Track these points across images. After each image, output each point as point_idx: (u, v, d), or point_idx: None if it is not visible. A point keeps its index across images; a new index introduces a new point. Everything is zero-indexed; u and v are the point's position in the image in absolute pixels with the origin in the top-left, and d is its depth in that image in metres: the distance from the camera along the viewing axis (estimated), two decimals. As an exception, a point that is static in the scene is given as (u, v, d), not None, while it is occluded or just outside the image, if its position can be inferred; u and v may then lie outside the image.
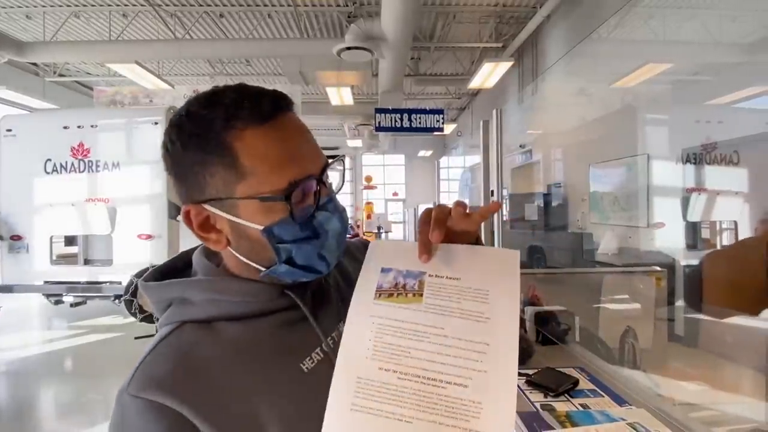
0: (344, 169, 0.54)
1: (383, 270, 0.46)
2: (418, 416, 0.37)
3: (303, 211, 0.45)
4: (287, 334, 0.48)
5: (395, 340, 0.41)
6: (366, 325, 0.42)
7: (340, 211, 0.49)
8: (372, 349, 0.40)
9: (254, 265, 0.47)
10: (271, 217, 0.44)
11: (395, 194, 16.28)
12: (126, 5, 6.20)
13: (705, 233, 4.08)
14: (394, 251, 0.48)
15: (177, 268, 0.54)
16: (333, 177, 0.50)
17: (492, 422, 0.37)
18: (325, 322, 0.50)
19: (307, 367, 0.47)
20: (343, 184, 0.53)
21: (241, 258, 0.48)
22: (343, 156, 0.53)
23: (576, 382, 1.13)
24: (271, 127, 0.44)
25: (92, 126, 4.84)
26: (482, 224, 2.00)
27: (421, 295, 0.43)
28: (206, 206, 0.45)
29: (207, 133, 0.43)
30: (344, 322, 0.52)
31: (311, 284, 0.52)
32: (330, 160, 0.49)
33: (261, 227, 0.44)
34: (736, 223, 3.85)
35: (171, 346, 0.44)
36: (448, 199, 13.99)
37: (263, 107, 0.44)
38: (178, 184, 0.47)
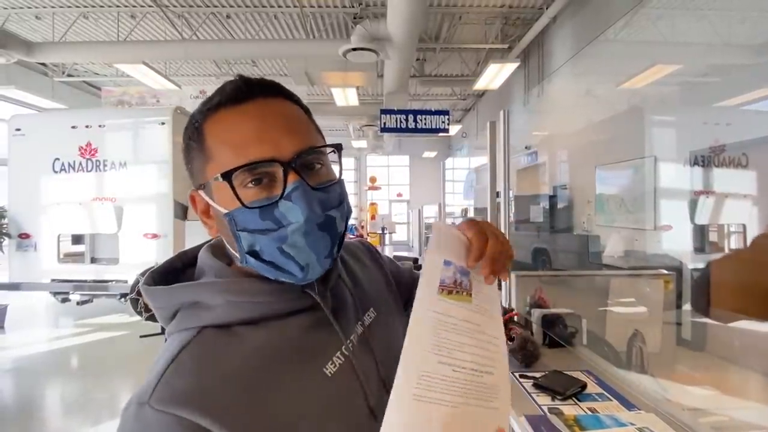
0: (341, 160, 0.48)
1: (445, 263, 0.47)
2: (463, 401, 0.43)
3: (260, 199, 0.42)
4: (309, 338, 0.46)
5: (452, 335, 0.45)
6: (429, 320, 0.44)
7: (309, 204, 0.42)
8: (433, 344, 0.44)
9: (234, 253, 0.46)
10: (237, 204, 0.43)
11: (399, 195, 16.27)
12: (134, 6, 6.25)
13: (713, 236, 4.04)
14: (452, 241, 0.48)
15: (176, 268, 0.51)
16: (331, 170, 0.48)
17: (504, 400, 0.46)
18: (344, 324, 0.49)
19: (330, 372, 0.45)
20: (339, 177, 0.48)
21: (227, 246, 0.47)
22: (337, 145, 0.47)
23: (584, 386, 1.12)
24: (240, 109, 0.43)
25: (100, 126, 4.88)
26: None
27: (470, 294, 0.47)
28: (200, 192, 0.47)
29: (192, 123, 0.46)
30: (361, 324, 0.52)
31: (329, 283, 0.50)
32: (313, 147, 0.45)
33: (225, 211, 0.44)
34: (744, 226, 3.81)
35: (194, 355, 0.41)
36: (452, 201, 13.96)
37: (234, 91, 0.44)
38: (189, 174, 0.49)
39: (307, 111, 0.49)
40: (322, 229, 0.44)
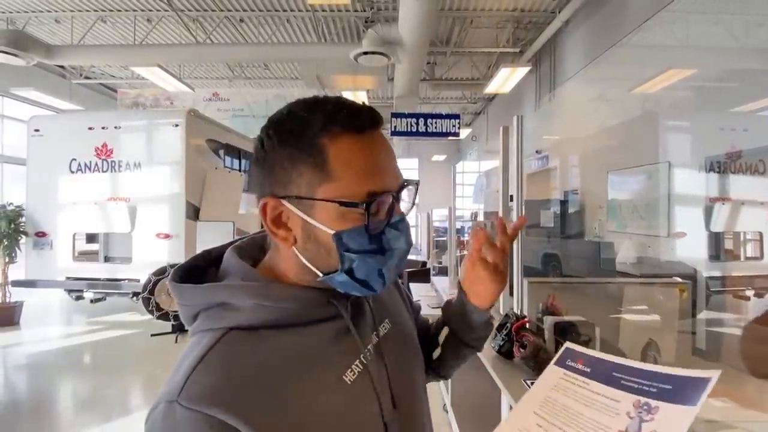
0: (416, 194, 0.51)
1: None
2: None
3: (376, 224, 0.46)
4: (331, 346, 0.48)
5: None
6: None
7: (409, 233, 0.49)
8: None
9: (313, 269, 0.47)
10: (344, 224, 0.45)
11: (408, 198, 16.23)
12: (150, 10, 6.37)
13: (728, 244, 3.96)
14: None
15: (200, 267, 0.52)
16: (405, 200, 0.50)
17: None
18: (362, 333, 0.51)
19: (349, 380, 0.47)
20: (412, 208, 0.52)
21: (302, 260, 0.47)
22: (418, 181, 0.51)
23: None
24: (364, 138, 0.46)
25: (116, 127, 4.98)
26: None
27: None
28: (285, 202, 0.46)
29: (305, 132, 0.45)
30: (376, 334, 0.53)
31: (351, 295, 0.51)
32: (406, 182, 0.49)
33: (332, 231, 0.45)
34: (761, 234, 3.73)
35: (222, 355, 0.42)
36: (462, 204, 13.89)
37: (360, 119, 0.46)
38: (263, 177, 0.47)
39: None
40: (408, 253, 0.50)
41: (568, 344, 0.51)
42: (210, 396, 0.39)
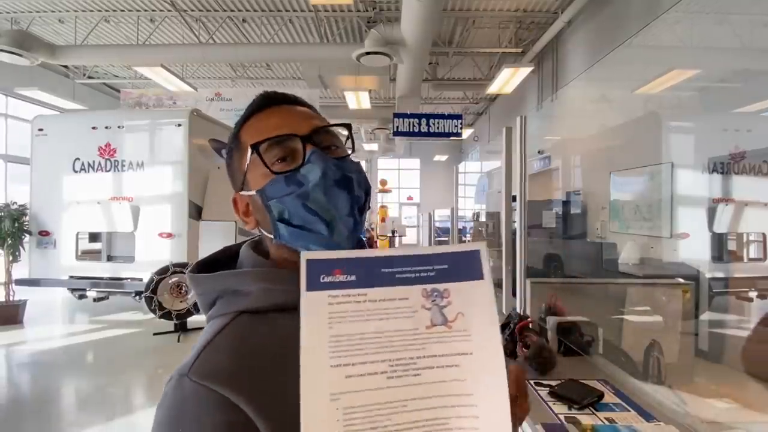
0: (351, 136, 0.54)
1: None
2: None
3: (285, 168, 0.49)
4: None
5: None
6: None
7: (327, 163, 0.48)
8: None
9: (268, 235, 0.51)
10: (266, 178, 0.49)
11: (410, 198, 16.26)
12: (153, 10, 6.40)
13: (731, 245, 3.95)
14: None
15: (220, 261, 0.55)
16: (346, 151, 0.54)
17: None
18: None
19: None
20: (353, 150, 0.54)
21: (264, 233, 0.52)
22: (347, 123, 0.55)
23: (601, 395, 1.11)
24: (266, 112, 0.52)
25: (119, 127, 5.00)
26: (503, 236, 1.97)
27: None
28: (240, 194, 0.53)
29: (232, 136, 0.54)
30: None
31: None
32: (326, 125, 0.52)
33: (257, 189, 0.50)
34: (764, 235, 3.72)
35: (230, 337, 0.45)
36: (463, 204, 13.88)
37: (259, 101, 0.53)
38: (231, 183, 0.55)
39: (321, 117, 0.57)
40: (340, 186, 0.49)
41: (305, 254, 0.38)
42: (217, 373, 0.41)
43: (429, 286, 0.38)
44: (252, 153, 0.49)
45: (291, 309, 0.47)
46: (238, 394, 0.40)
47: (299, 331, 0.44)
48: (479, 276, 0.39)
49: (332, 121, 0.54)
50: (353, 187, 0.50)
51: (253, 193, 0.50)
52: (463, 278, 0.38)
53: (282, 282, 0.48)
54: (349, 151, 0.54)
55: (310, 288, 0.38)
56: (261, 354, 0.44)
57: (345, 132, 0.56)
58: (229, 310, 0.48)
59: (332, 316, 0.37)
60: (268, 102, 0.53)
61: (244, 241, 0.57)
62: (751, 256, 3.85)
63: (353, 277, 0.38)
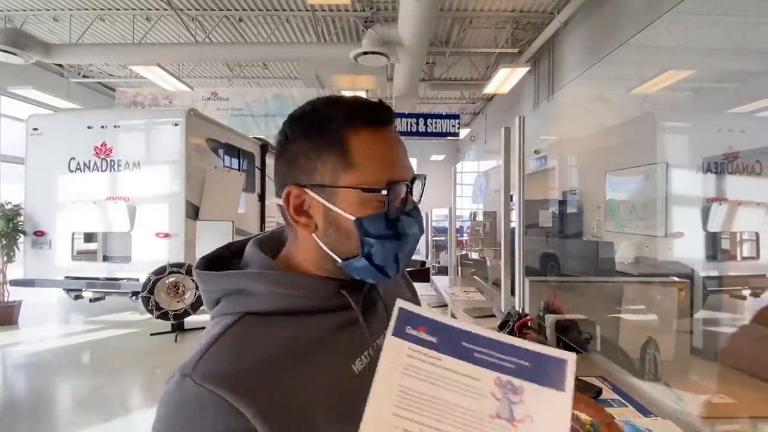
0: (423, 187, 0.56)
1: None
2: None
3: (394, 211, 0.50)
4: (341, 335, 0.50)
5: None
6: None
7: (421, 221, 0.53)
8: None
9: (333, 255, 0.50)
10: (364, 210, 0.48)
11: (407, 198, 16.22)
12: (149, 9, 6.36)
13: (725, 244, 3.99)
14: None
15: (223, 257, 0.55)
16: (415, 193, 0.54)
17: None
18: (372, 326, 0.53)
19: (357, 369, 0.49)
20: (420, 200, 0.56)
21: (322, 246, 0.50)
22: (425, 176, 0.56)
23: (599, 392, 1.12)
24: (381, 132, 0.50)
25: (115, 126, 4.96)
26: (502, 232, 1.98)
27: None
28: (308, 190, 0.49)
29: (328, 125, 0.49)
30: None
31: (363, 288, 0.54)
32: (417, 176, 0.53)
33: (354, 217, 0.48)
34: (757, 234, 3.77)
35: (235, 338, 0.45)
36: (460, 204, 13.91)
37: (379, 114, 0.50)
38: (286, 167, 0.51)
39: None
40: (418, 241, 0.53)
41: (400, 303, 0.41)
42: (219, 376, 0.41)
43: (504, 377, 0.38)
44: (380, 191, 0.48)
45: (297, 314, 0.48)
46: (240, 399, 0.40)
47: (305, 336, 0.47)
48: (560, 387, 0.37)
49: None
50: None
51: (338, 210, 0.48)
52: (542, 382, 0.38)
53: (291, 287, 0.49)
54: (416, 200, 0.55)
55: (395, 333, 0.40)
56: (265, 358, 0.44)
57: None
58: (235, 310, 0.47)
59: (407, 368, 0.39)
60: (387, 121, 0.51)
61: (249, 238, 0.56)
62: (745, 254, 3.89)
63: (434, 339, 0.39)
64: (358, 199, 0.48)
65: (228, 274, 0.50)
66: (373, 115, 0.50)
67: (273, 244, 0.56)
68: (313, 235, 0.50)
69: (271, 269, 0.51)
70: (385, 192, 0.48)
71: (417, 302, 0.69)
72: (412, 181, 0.52)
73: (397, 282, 0.68)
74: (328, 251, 0.50)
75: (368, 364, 0.50)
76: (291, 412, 0.42)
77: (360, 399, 0.45)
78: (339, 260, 0.50)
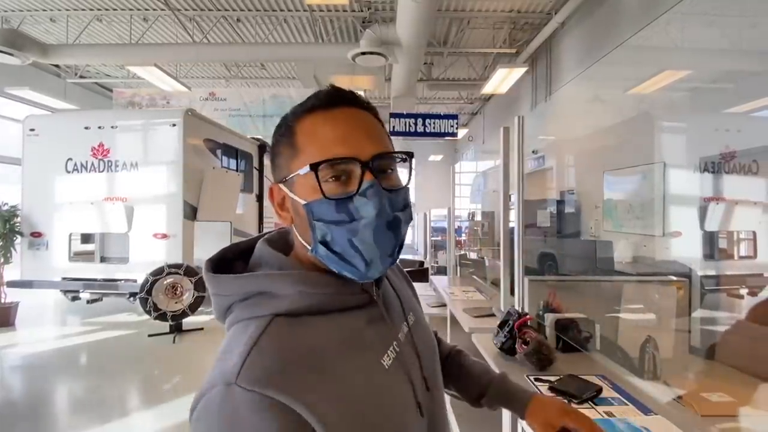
0: (411, 168, 0.52)
1: None
2: None
3: (338, 192, 0.46)
4: (367, 331, 0.50)
5: None
6: None
7: (382, 202, 0.46)
8: None
9: (304, 243, 0.50)
10: (316, 195, 0.47)
11: (405, 198, 16.21)
12: (146, 9, 6.34)
13: (722, 243, 4.01)
14: None
15: (227, 259, 0.54)
16: (401, 174, 0.52)
17: None
18: (394, 321, 0.54)
19: (386, 364, 0.49)
20: (408, 181, 0.52)
21: (298, 237, 0.51)
22: (409, 153, 0.51)
23: (599, 390, 1.12)
24: (328, 113, 0.49)
25: (112, 127, 4.95)
26: (501, 232, 1.99)
27: None
28: (280, 185, 0.51)
29: (285, 121, 0.51)
30: (406, 324, 0.56)
31: (381, 283, 0.55)
32: (386, 153, 0.49)
33: (303, 202, 0.48)
34: (755, 233, 3.78)
35: (272, 340, 0.43)
36: (459, 204, 13.93)
37: (321, 97, 0.50)
38: (272, 169, 0.53)
39: (382, 124, 0.54)
40: (389, 228, 0.47)
41: None
42: (267, 378, 0.40)
43: None
44: (309, 170, 0.46)
45: (326, 312, 0.48)
46: (291, 397, 0.40)
47: (337, 333, 0.47)
48: None
49: (395, 147, 0.52)
50: (400, 229, 0.49)
51: (296, 198, 0.48)
52: None
53: (318, 286, 0.48)
54: (404, 182, 0.51)
55: None
56: (307, 355, 0.43)
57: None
58: (262, 312, 0.46)
59: None
60: (334, 101, 0.49)
61: (253, 239, 0.56)
62: (742, 253, 3.91)
63: None
64: (309, 184, 0.47)
65: (250, 277, 0.48)
66: (320, 98, 0.49)
67: (282, 243, 0.56)
68: (293, 227, 0.52)
69: (290, 268, 0.50)
70: (311, 170, 0.45)
71: (417, 300, 0.69)
72: (374, 159, 0.47)
73: (398, 276, 0.68)
74: (301, 240, 0.50)
75: (395, 359, 0.50)
76: (341, 409, 0.42)
77: (389, 395, 0.47)
78: (308, 248, 0.49)
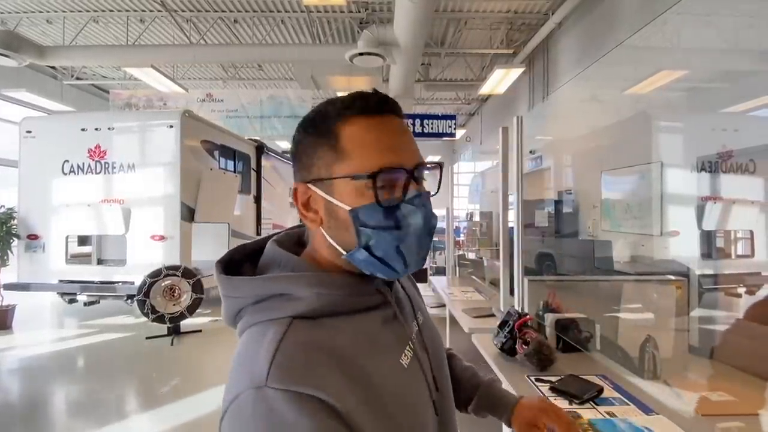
0: (441, 177, 0.54)
1: None
2: None
3: (388, 199, 0.47)
4: (384, 332, 0.51)
5: None
6: None
7: (427, 211, 0.49)
8: None
9: (338, 247, 0.50)
10: (361, 201, 0.47)
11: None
12: (143, 11, 6.33)
13: (720, 242, 4.03)
14: None
15: (235, 260, 0.54)
16: (431, 183, 0.53)
17: None
18: (407, 321, 0.55)
19: (405, 363, 0.50)
20: (438, 190, 0.53)
21: (328, 239, 0.50)
22: (442, 163, 0.55)
23: (601, 390, 1.12)
24: (373, 120, 0.49)
25: (109, 128, 4.93)
26: (500, 234, 1.99)
27: None
28: (310, 185, 0.50)
29: (324, 121, 0.50)
30: (416, 323, 0.58)
31: (394, 284, 0.55)
32: (426, 163, 0.51)
33: (348, 207, 0.48)
34: (752, 232, 3.80)
35: (297, 342, 0.44)
36: (458, 205, 13.94)
37: (370, 104, 0.50)
38: (295, 167, 0.52)
39: None
40: (429, 234, 0.50)
41: None
42: (297, 376, 0.40)
43: None
44: (366, 178, 0.46)
45: (344, 313, 0.48)
46: (323, 392, 0.40)
47: (357, 334, 0.47)
48: None
49: (426, 158, 0.53)
50: (433, 234, 0.51)
51: (336, 202, 0.48)
52: None
53: (334, 287, 0.48)
54: (433, 191, 0.53)
55: None
56: (332, 354, 0.44)
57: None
58: (280, 315, 0.46)
59: None
60: (381, 108, 0.50)
61: (261, 239, 0.56)
62: (739, 252, 3.92)
63: None
64: (353, 188, 0.47)
65: (267, 279, 0.49)
66: (364, 103, 0.49)
67: (291, 243, 0.56)
68: (321, 228, 0.51)
69: (304, 269, 0.50)
70: (369, 178, 0.46)
71: (421, 299, 0.70)
72: (416, 167, 0.49)
73: (405, 278, 0.69)
74: (334, 244, 0.50)
75: (412, 358, 0.51)
76: (369, 405, 0.43)
77: (410, 393, 0.48)
78: (343, 252, 0.49)
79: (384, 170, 0.47)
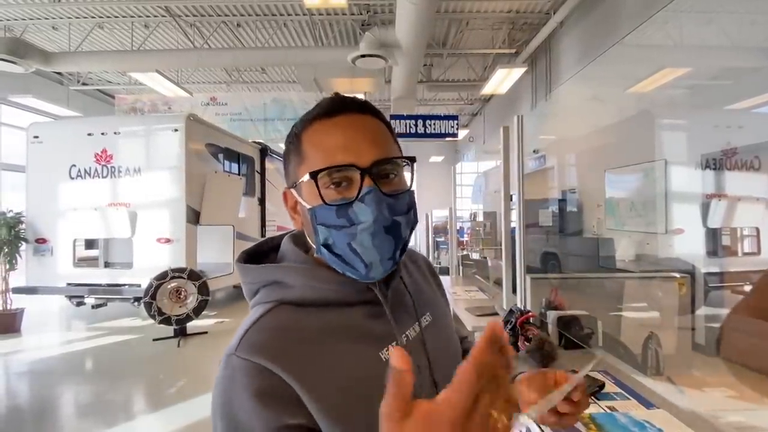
0: (413, 173, 0.53)
1: None
2: None
3: (337, 198, 0.49)
4: (370, 324, 0.52)
5: None
6: None
7: (381, 208, 0.47)
8: None
9: (312, 244, 0.53)
10: (319, 201, 0.50)
11: (407, 200, 16.20)
12: (148, 16, 6.39)
13: (725, 240, 4.00)
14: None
15: (262, 251, 0.60)
16: (405, 181, 0.53)
17: None
18: (401, 320, 0.55)
19: (385, 357, 0.50)
20: (411, 185, 0.53)
21: (307, 238, 0.55)
22: (411, 158, 0.52)
23: (602, 385, 1.13)
24: (330, 121, 0.51)
25: (115, 133, 4.99)
26: (503, 231, 2.00)
27: None
28: (291, 191, 0.54)
29: (294, 129, 0.54)
30: (418, 325, 0.57)
31: (391, 282, 0.56)
32: (385, 159, 0.49)
33: (309, 206, 0.50)
34: (758, 229, 3.77)
35: (272, 320, 0.49)
36: (461, 205, 13.92)
37: (330, 104, 0.52)
38: (284, 173, 0.57)
39: (389, 127, 0.56)
40: (388, 232, 0.49)
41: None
42: (259, 349, 0.46)
43: None
44: (309, 179, 0.48)
45: (328, 305, 0.51)
46: (279, 367, 0.45)
47: (336, 323, 0.50)
48: None
49: (396, 153, 0.53)
50: (400, 233, 0.50)
51: (303, 203, 0.52)
52: None
53: (321, 281, 0.52)
54: (407, 185, 0.52)
55: None
56: (301, 337, 0.48)
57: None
58: (271, 298, 0.52)
59: None
60: (336, 108, 0.51)
61: (287, 233, 0.60)
62: (745, 250, 3.90)
63: None
64: (311, 189, 0.49)
65: (267, 267, 0.54)
66: (324, 105, 0.52)
67: (304, 239, 0.59)
68: (303, 230, 0.55)
69: (305, 263, 0.54)
70: (311, 178, 0.48)
71: (443, 294, 0.70)
72: (372, 165, 0.48)
73: (424, 275, 0.68)
74: (310, 241, 0.54)
75: None
76: (327, 385, 0.46)
77: (383, 385, 0.48)
78: (315, 250, 0.53)
79: (327, 169, 0.48)
